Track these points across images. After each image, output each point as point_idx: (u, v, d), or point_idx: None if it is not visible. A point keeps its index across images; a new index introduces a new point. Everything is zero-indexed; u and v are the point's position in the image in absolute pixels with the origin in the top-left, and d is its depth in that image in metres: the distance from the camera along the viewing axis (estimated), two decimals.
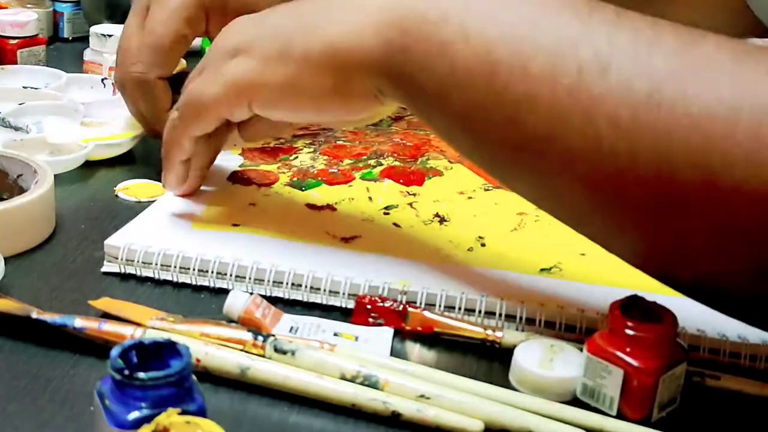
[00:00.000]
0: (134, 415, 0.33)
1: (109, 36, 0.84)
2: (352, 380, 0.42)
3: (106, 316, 0.46)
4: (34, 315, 0.44)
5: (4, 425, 0.39)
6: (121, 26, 0.86)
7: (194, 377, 0.35)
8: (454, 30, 0.42)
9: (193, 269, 0.50)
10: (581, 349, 0.43)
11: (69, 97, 0.74)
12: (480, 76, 0.41)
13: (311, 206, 0.59)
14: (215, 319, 0.45)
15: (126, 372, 0.33)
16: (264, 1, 0.57)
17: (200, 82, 0.52)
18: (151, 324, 0.44)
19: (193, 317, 0.46)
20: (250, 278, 0.50)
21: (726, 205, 0.36)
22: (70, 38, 1.01)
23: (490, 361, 0.46)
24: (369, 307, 0.48)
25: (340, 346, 0.44)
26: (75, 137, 0.66)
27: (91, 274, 0.51)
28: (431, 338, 0.48)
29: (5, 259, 0.48)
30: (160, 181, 0.62)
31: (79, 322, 0.44)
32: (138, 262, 0.51)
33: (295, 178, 0.63)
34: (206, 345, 0.43)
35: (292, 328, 0.46)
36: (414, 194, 0.62)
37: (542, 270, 0.53)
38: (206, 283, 0.50)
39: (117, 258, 0.51)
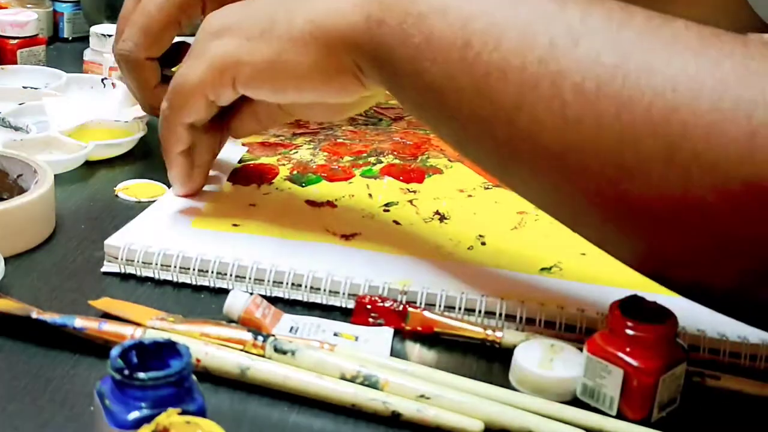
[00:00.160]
0: (134, 415, 0.33)
1: (109, 36, 0.84)
2: (352, 380, 0.42)
3: (106, 316, 0.46)
4: (34, 315, 0.44)
5: (4, 425, 0.39)
6: None
7: (194, 377, 0.35)
8: (432, 3, 0.43)
9: (193, 269, 0.50)
10: (581, 349, 0.43)
11: (69, 97, 0.74)
12: (454, 48, 0.42)
13: (311, 203, 0.59)
14: (215, 319, 0.45)
15: (126, 372, 0.33)
16: None
17: (185, 68, 0.53)
18: (151, 324, 0.44)
19: (193, 317, 0.46)
20: (250, 278, 0.50)
21: (684, 176, 0.37)
22: (70, 38, 1.01)
23: (490, 361, 0.46)
24: (369, 307, 0.48)
25: (340, 346, 0.44)
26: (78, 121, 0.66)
27: (91, 274, 0.51)
28: (431, 338, 0.48)
29: (5, 259, 0.48)
30: (160, 181, 0.62)
31: (79, 322, 0.44)
32: (138, 262, 0.51)
33: (295, 172, 0.64)
34: (206, 345, 0.43)
35: (292, 328, 0.46)
36: (414, 191, 0.62)
37: (542, 269, 0.53)
38: (206, 283, 0.50)
39: (117, 258, 0.51)
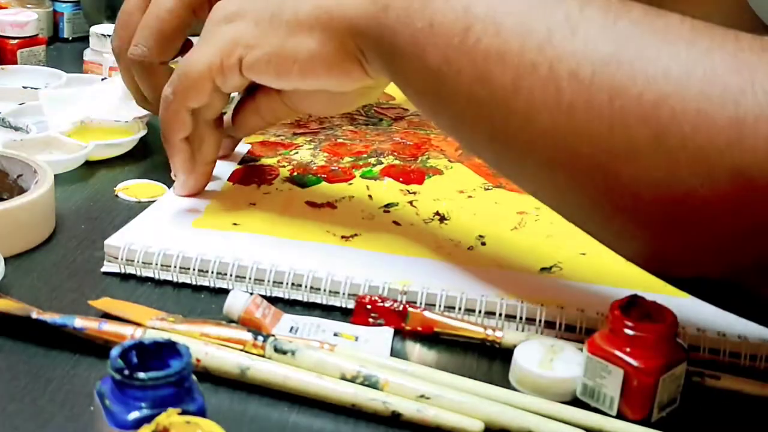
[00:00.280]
0: (134, 415, 0.33)
1: (109, 36, 0.83)
2: (352, 380, 0.42)
3: (106, 316, 0.46)
4: (34, 315, 0.44)
5: (4, 425, 0.39)
6: None
7: (194, 377, 0.35)
8: None
9: (193, 269, 0.50)
10: (581, 349, 0.43)
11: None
12: (455, 33, 0.43)
13: (311, 204, 0.59)
14: (215, 319, 0.45)
15: (126, 372, 0.33)
16: None
17: (193, 52, 0.54)
18: (151, 324, 0.44)
19: (193, 317, 0.46)
20: (250, 278, 0.50)
21: (672, 162, 0.38)
22: (70, 38, 1.01)
23: (490, 361, 0.46)
24: (369, 307, 0.48)
25: (340, 346, 0.44)
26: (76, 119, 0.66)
27: (91, 274, 0.51)
28: (431, 338, 0.48)
29: (5, 259, 0.48)
30: (160, 181, 0.62)
31: (79, 322, 0.44)
32: (138, 262, 0.51)
33: (295, 173, 0.64)
34: (206, 345, 0.43)
35: (292, 328, 0.46)
36: (414, 192, 0.62)
37: (542, 269, 0.53)
38: (206, 283, 0.50)
39: (117, 258, 0.51)
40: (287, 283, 0.50)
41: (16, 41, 0.87)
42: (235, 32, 0.51)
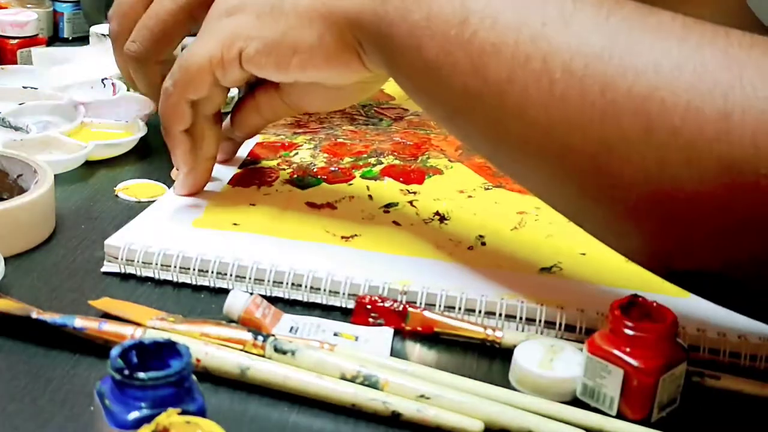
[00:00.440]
0: (134, 415, 0.33)
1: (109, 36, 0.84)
2: (352, 380, 0.42)
3: (106, 316, 0.46)
4: (34, 315, 0.44)
5: (4, 425, 0.39)
6: None
7: (194, 377, 0.35)
8: None
9: (193, 269, 0.50)
10: (581, 349, 0.43)
11: (69, 96, 0.74)
12: (452, 25, 0.44)
13: (311, 204, 0.59)
14: (215, 319, 0.45)
15: (126, 372, 0.33)
16: None
17: (193, 45, 0.54)
18: (151, 324, 0.44)
19: (193, 317, 0.46)
20: (250, 278, 0.50)
21: (661, 154, 0.38)
22: (70, 38, 1.01)
23: (490, 361, 0.46)
24: (369, 307, 0.48)
25: (340, 346, 0.44)
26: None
27: (91, 274, 0.51)
28: (431, 338, 0.48)
29: (5, 259, 0.48)
30: (160, 181, 0.62)
31: (79, 322, 0.44)
32: (138, 262, 0.51)
33: (295, 176, 0.64)
34: (206, 345, 0.43)
35: (292, 328, 0.46)
36: (414, 192, 0.62)
37: (542, 269, 0.53)
38: (206, 283, 0.50)
39: (117, 258, 0.51)
40: (287, 283, 0.50)
41: (16, 41, 0.87)
42: (236, 25, 0.52)
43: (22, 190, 0.55)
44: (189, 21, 0.61)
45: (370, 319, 0.48)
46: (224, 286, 0.50)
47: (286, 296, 0.50)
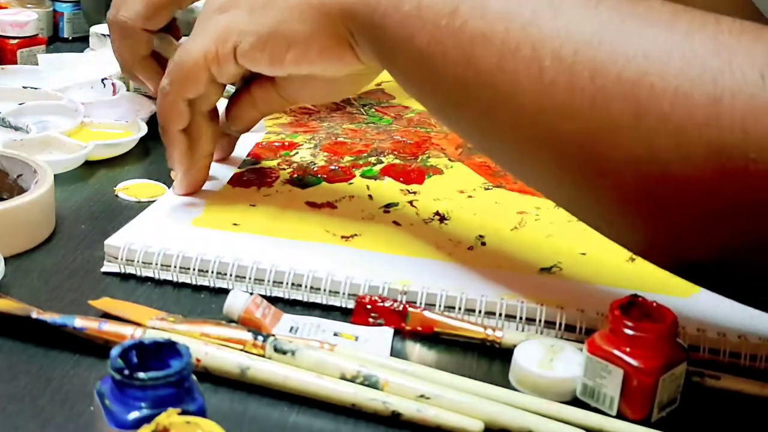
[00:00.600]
0: (134, 415, 0.33)
1: (109, 36, 0.83)
2: (352, 380, 0.42)
3: (106, 316, 0.46)
4: (34, 315, 0.44)
5: (4, 425, 0.39)
6: None
7: (194, 377, 0.35)
8: None
9: (193, 269, 0.50)
10: (581, 349, 0.43)
11: (69, 97, 0.74)
12: (442, 15, 0.44)
13: (311, 204, 0.59)
14: (215, 319, 0.45)
15: (126, 372, 0.33)
16: None
17: (188, 42, 0.54)
18: (151, 324, 0.44)
19: (193, 317, 0.46)
20: (250, 278, 0.50)
21: (650, 139, 0.39)
22: (70, 38, 1.00)
23: (490, 361, 0.46)
24: (369, 307, 0.48)
25: (340, 346, 0.44)
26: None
27: (91, 274, 0.51)
28: (431, 338, 0.48)
29: (5, 259, 0.48)
30: (160, 181, 0.62)
31: (79, 322, 0.44)
32: (138, 262, 0.51)
33: (295, 175, 0.64)
34: (206, 345, 0.43)
35: (292, 328, 0.46)
36: (414, 192, 0.62)
37: (542, 269, 0.53)
38: (206, 283, 0.50)
39: (117, 258, 0.51)
40: (287, 283, 0.50)
41: (16, 41, 0.86)
42: (229, 21, 0.52)
43: (22, 190, 0.55)
44: None
45: (370, 319, 0.48)
46: (224, 286, 0.50)
47: (286, 296, 0.50)
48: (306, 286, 0.50)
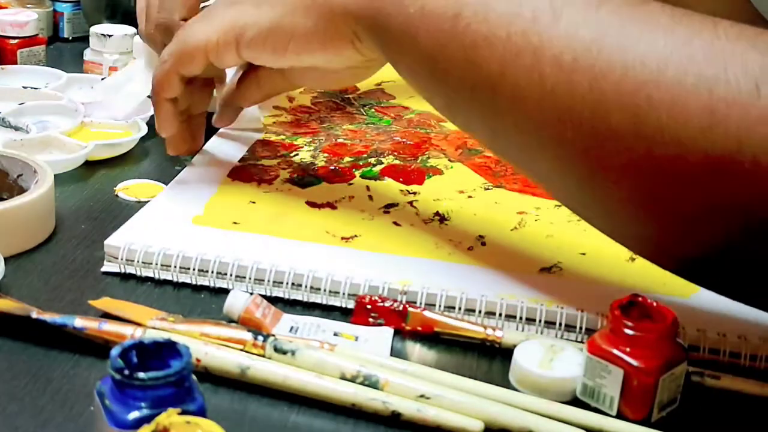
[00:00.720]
0: (134, 415, 0.33)
1: (109, 36, 0.84)
2: (352, 380, 0.42)
3: (106, 316, 0.46)
4: (34, 315, 0.44)
5: (4, 425, 0.39)
6: (121, 26, 0.87)
7: (194, 377, 0.35)
8: None
9: (193, 269, 0.50)
10: (581, 349, 0.43)
11: (69, 97, 0.74)
12: (445, 19, 0.44)
13: (311, 204, 0.59)
14: (215, 319, 0.45)
15: (126, 372, 0.33)
16: None
17: (194, 24, 0.56)
18: (151, 324, 0.44)
19: (193, 317, 0.46)
20: (250, 278, 0.50)
21: (649, 148, 0.39)
22: (70, 38, 1.00)
23: (490, 361, 0.46)
24: (369, 307, 0.48)
25: (340, 346, 0.44)
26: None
27: (91, 274, 0.51)
28: (431, 338, 0.48)
29: (5, 259, 0.48)
30: (160, 181, 0.62)
31: (79, 322, 0.44)
32: (138, 261, 0.51)
33: (295, 175, 0.64)
34: (206, 345, 0.43)
35: (292, 328, 0.46)
36: (414, 193, 0.62)
37: (542, 270, 0.53)
38: (206, 283, 0.50)
39: (117, 258, 0.51)
40: (287, 283, 0.50)
41: (16, 41, 0.86)
42: (236, 14, 0.54)
43: (22, 190, 0.55)
44: None
45: (370, 319, 0.48)
46: (224, 286, 0.50)
47: (286, 296, 0.50)
48: (306, 286, 0.50)
